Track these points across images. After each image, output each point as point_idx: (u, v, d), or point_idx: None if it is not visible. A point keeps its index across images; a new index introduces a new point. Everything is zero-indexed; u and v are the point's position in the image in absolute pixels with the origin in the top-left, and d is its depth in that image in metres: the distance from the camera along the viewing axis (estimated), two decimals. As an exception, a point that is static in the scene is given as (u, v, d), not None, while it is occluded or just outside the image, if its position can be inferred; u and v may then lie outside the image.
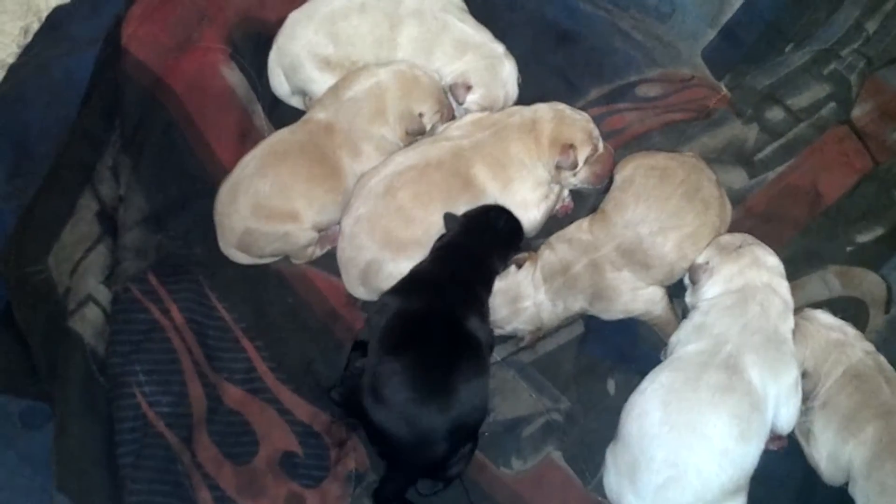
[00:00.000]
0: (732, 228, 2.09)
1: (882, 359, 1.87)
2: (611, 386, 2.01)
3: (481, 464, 1.96)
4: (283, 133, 2.23)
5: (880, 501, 1.69)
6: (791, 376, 1.79)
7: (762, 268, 1.91)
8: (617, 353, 2.07)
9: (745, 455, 1.72)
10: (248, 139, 2.31)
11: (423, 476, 1.91)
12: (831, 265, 2.13)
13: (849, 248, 2.15)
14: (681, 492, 1.70)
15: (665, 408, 1.75)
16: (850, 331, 1.91)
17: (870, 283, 2.10)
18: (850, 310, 2.06)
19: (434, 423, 1.83)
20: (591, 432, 1.94)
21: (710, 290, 1.91)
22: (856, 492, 1.75)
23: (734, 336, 1.80)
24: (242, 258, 2.19)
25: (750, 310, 1.83)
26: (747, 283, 1.88)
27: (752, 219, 2.20)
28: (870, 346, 1.89)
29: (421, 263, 2.07)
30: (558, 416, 2.01)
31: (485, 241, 2.06)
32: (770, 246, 2.07)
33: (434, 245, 2.08)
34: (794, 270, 2.09)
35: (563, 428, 2.00)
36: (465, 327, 1.93)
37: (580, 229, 2.08)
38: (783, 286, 1.91)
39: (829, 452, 1.79)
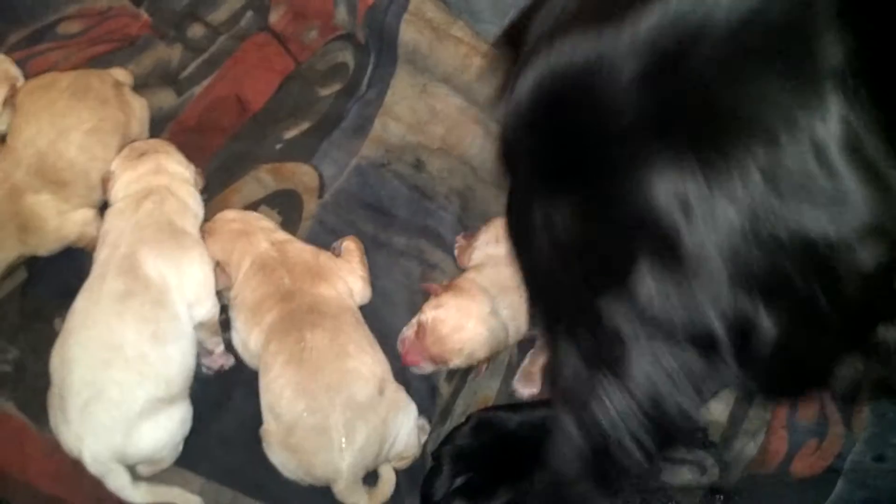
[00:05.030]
0: (173, 142, 2.10)
1: (292, 247, 1.91)
2: (58, 325, 1.96)
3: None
4: None
5: (265, 375, 1.73)
6: (193, 264, 1.81)
7: (162, 173, 1.93)
8: (62, 290, 2.02)
9: (165, 357, 1.71)
10: None
11: None
12: (263, 164, 2.23)
13: (278, 146, 2.27)
14: (104, 408, 1.66)
15: (76, 331, 1.74)
16: (256, 222, 1.95)
17: (301, 174, 2.23)
18: (286, 201, 2.18)
19: None
20: (41, 376, 1.87)
21: (114, 197, 1.92)
22: None
23: (127, 235, 1.80)
24: None
25: (142, 208, 1.84)
26: (145, 188, 1.89)
27: (186, 133, 2.25)
28: (282, 236, 1.95)
29: None
30: (7, 366, 1.94)
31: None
32: (203, 155, 2.15)
33: None
34: (230, 175, 2.19)
35: (12, 377, 1.93)
36: None
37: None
38: (184, 189, 1.94)
39: (241, 340, 1.83)
